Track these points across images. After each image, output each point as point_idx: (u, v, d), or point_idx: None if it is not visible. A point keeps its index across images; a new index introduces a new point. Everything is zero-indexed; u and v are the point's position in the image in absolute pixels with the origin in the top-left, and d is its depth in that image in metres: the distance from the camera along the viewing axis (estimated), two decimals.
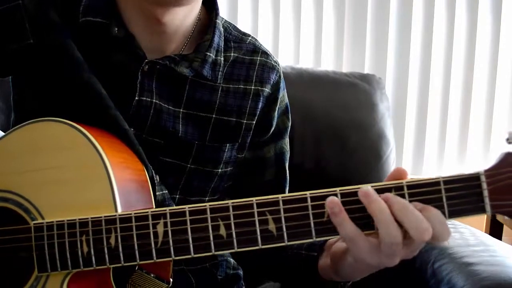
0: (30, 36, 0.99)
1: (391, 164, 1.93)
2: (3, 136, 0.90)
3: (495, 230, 2.06)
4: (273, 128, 1.14)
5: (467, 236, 1.61)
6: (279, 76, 1.14)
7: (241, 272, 1.21)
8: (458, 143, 2.35)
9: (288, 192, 1.19)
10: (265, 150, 1.15)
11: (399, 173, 0.80)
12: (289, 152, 1.19)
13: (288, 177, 1.19)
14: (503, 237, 2.09)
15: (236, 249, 0.78)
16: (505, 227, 2.09)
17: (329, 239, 0.98)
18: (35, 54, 0.99)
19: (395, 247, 0.75)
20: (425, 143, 2.35)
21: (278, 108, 1.14)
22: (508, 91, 2.31)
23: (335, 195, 0.77)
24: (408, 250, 0.78)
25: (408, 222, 0.74)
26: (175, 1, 0.93)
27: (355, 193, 0.77)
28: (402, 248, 0.76)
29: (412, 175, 2.35)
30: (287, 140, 1.18)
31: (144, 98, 1.00)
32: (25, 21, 0.99)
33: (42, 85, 1.00)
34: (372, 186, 0.76)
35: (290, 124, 1.18)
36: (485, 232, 1.90)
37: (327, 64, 2.35)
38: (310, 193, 0.78)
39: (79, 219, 0.81)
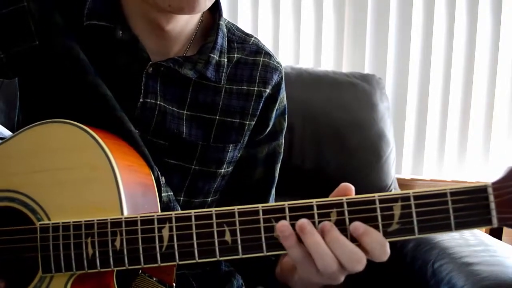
0: (36, 38, 0.99)
1: (391, 164, 1.94)
2: (11, 137, 0.90)
3: (495, 230, 2.06)
4: (269, 128, 1.15)
5: (467, 236, 1.61)
6: (281, 78, 1.14)
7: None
8: (458, 143, 2.35)
9: (290, 194, 1.20)
10: (258, 150, 1.15)
11: (345, 189, 0.81)
12: (282, 154, 1.20)
13: (276, 179, 1.20)
14: (503, 237, 2.09)
15: (241, 255, 0.78)
16: (505, 227, 2.10)
17: None
18: (41, 56, 0.99)
19: (332, 273, 0.77)
20: (425, 143, 2.35)
21: (277, 108, 1.14)
22: (508, 91, 2.31)
23: (341, 203, 0.77)
24: (348, 271, 0.79)
25: (340, 254, 0.76)
26: (188, 10, 0.92)
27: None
28: (341, 272, 0.78)
29: (412, 175, 2.36)
30: (281, 141, 1.19)
31: (149, 100, 1.00)
32: (30, 23, 0.99)
33: (48, 86, 1.01)
34: (379, 196, 0.76)
35: (285, 126, 1.19)
36: (485, 232, 1.90)
37: (327, 64, 2.35)
38: (316, 201, 0.78)
39: (85, 221, 0.81)
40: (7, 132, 1.11)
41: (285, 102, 1.18)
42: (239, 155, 1.12)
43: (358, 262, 0.75)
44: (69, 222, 0.82)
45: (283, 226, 0.76)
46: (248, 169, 1.16)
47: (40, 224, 0.83)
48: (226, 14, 2.32)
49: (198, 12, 0.95)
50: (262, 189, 1.18)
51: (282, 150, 1.19)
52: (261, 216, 0.78)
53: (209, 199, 1.12)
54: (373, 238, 0.75)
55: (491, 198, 0.75)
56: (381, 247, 0.75)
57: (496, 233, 2.03)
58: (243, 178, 1.16)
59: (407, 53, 2.32)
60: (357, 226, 0.75)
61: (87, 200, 0.83)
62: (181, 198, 1.07)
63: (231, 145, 1.09)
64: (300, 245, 0.77)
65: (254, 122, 1.10)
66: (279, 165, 1.20)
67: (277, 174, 1.19)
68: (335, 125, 1.88)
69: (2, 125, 1.13)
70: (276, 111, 1.14)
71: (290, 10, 2.34)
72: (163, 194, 0.99)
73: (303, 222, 0.76)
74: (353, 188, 0.80)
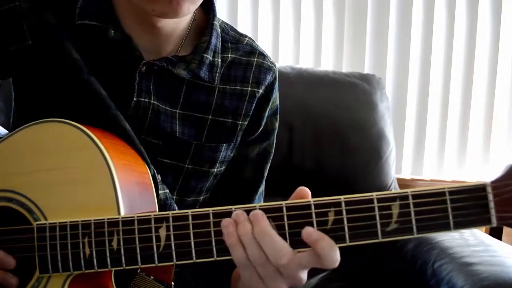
0: (29, 37, 0.99)
1: (391, 164, 1.94)
2: (7, 136, 0.90)
3: (495, 230, 2.06)
4: (261, 128, 1.14)
5: (467, 236, 1.61)
6: (274, 78, 1.14)
7: None
8: (458, 143, 2.35)
9: (275, 194, 1.20)
10: (249, 149, 1.15)
11: (302, 193, 0.80)
12: (272, 154, 1.19)
13: (264, 177, 1.20)
14: (503, 237, 2.09)
15: None
16: (505, 227, 2.09)
17: None
18: (34, 55, 0.99)
19: (263, 268, 0.77)
20: (425, 143, 2.35)
21: (269, 109, 1.14)
22: (508, 91, 2.30)
23: (339, 203, 0.77)
24: (286, 276, 0.78)
25: (265, 246, 0.76)
26: (172, 15, 0.92)
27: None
28: (275, 272, 0.77)
29: (412, 175, 2.36)
30: (273, 141, 1.19)
31: (142, 99, 1.00)
32: (23, 23, 0.99)
33: (42, 85, 1.01)
34: (377, 195, 0.76)
35: (277, 126, 1.18)
36: (485, 232, 1.90)
37: (327, 64, 2.34)
38: (314, 201, 0.77)
39: (82, 220, 0.81)
40: (4, 132, 1.11)
41: (278, 102, 1.17)
42: (231, 154, 1.12)
43: (282, 256, 0.76)
44: (66, 222, 0.81)
45: (226, 222, 0.77)
46: (238, 168, 1.16)
47: (36, 224, 0.83)
48: (226, 14, 2.32)
49: (182, 16, 0.95)
50: (250, 187, 1.18)
51: (273, 150, 1.19)
52: None
53: (201, 197, 1.13)
54: (326, 243, 0.75)
55: (490, 197, 0.74)
56: (333, 253, 0.75)
57: (496, 233, 2.02)
58: (232, 176, 1.16)
59: (407, 53, 2.31)
60: (310, 232, 0.76)
61: (84, 200, 0.83)
62: (174, 197, 1.07)
63: (224, 144, 1.09)
64: (241, 246, 0.77)
65: (246, 122, 1.10)
66: (269, 164, 1.19)
67: (266, 173, 1.19)
68: (335, 125, 1.88)
69: (2, 125, 1.13)
70: (269, 111, 1.14)
71: (290, 10, 2.34)
72: (160, 192, 0.99)
73: (238, 212, 0.77)
74: (309, 191, 0.80)
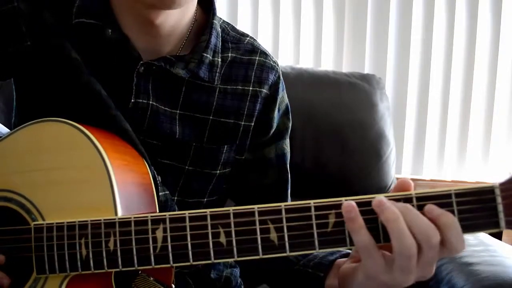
0: (27, 38, 0.99)
1: (391, 164, 1.94)
2: (6, 136, 0.90)
3: None
4: (273, 129, 1.13)
5: (467, 236, 1.59)
6: (278, 77, 1.12)
7: (237, 270, 1.21)
8: (458, 143, 2.35)
9: (290, 194, 1.19)
10: (265, 152, 1.13)
11: (403, 185, 0.77)
12: (289, 152, 1.18)
13: (289, 179, 1.17)
14: (503, 237, 2.08)
15: (236, 258, 0.76)
16: None
17: (335, 258, 0.96)
18: (33, 55, 0.99)
19: (409, 260, 0.72)
20: (425, 143, 2.35)
21: (278, 109, 1.12)
22: (508, 91, 2.30)
23: (339, 205, 0.74)
24: (421, 266, 0.73)
25: (417, 228, 0.71)
26: (167, 5, 0.91)
27: (365, 203, 0.73)
28: (416, 263, 0.73)
29: (412, 175, 2.35)
30: (287, 140, 1.17)
31: (141, 100, 0.99)
32: (21, 24, 0.99)
33: (42, 86, 1.00)
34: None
35: (290, 125, 1.17)
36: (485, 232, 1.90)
37: (327, 64, 2.35)
38: (314, 202, 0.75)
39: (79, 221, 0.80)
40: (6, 130, 1.11)
41: (287, 101, 1.16)
42: (236, 156, 1.11)
43: (433, 236, 0.70)
44: (63, 223, 0.81)
45: (348, 207, 0.73)
46: (259, 173, 1.14)
47: (34, 225, 0.83)
48: (225, 14, 2.32)
49: (178, 7, 0.93)
50: (277, 191, 1.16)
51: (289, 149, 1.17)
52: (256, 218, 0.76)
53: (205, 199, 1.11)
54: (449, 220, 0.71)
55: (499, 199, 0.71)
56: (456, 233, 0.71)
57: (496, 233, 2.02)
58: (255, 182, 1.14)
59: (407, 53, 2.31)
60: (430, 209, 0.72)
61: (82, 201, 0.83)
62: (175, 198, 1.06)
63: (225, 146, 1.07)
64: (366, 229, 0.73)
65: (252, 124, 1.09)
66: (288, 164, 1.17)
67: (289, 174, 1.17)
68: (335, 125, 1.88)
69: (2, 125, 1.13)
70: (278, 111, 1.12)
71: (290, 10, 2.34)
72: (160, 193, 0.98)
73: (381, 198, 0.73)
74: (411, 183, 0.77)
